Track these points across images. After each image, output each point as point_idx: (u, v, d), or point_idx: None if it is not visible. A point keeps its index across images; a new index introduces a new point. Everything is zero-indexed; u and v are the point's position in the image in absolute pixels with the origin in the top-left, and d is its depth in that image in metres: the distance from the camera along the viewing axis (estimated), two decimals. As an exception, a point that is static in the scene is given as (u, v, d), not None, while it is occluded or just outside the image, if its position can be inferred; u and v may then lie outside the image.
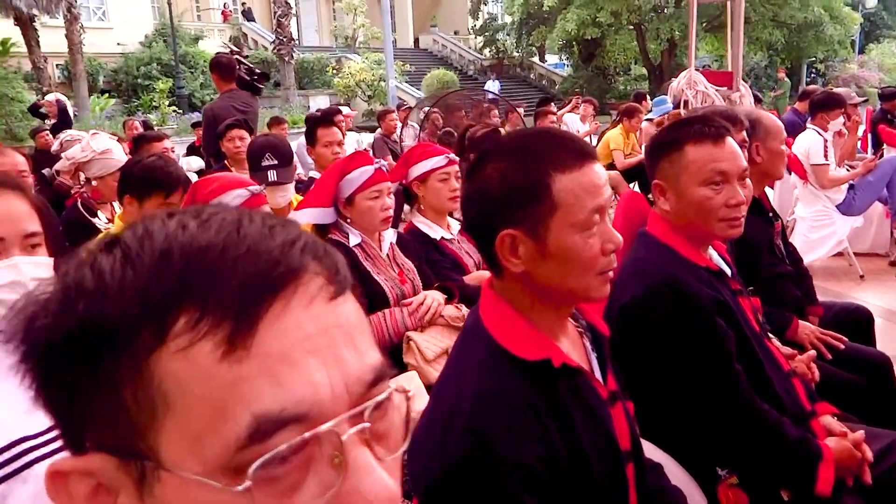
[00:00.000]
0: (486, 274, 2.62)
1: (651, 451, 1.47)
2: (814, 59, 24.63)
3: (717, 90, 4.16)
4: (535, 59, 28.52)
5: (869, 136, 7.05)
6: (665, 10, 22.21)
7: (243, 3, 25.87)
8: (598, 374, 1.20)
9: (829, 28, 21.36)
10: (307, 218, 2.30)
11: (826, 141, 4.80)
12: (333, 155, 3.57)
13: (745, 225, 1.65)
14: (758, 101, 6.34)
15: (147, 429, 0.42)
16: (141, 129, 7.93)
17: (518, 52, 27.41)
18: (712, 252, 1.74)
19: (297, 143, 5.64)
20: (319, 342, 0.43)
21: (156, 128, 10.73)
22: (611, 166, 6.57)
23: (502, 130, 3.25)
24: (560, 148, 1.08)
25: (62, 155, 3.39)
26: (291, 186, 2.97)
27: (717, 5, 20.36)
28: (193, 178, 2.93)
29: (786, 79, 18.74)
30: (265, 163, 2.81)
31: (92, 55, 18.98)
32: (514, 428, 1.01)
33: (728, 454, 1.54)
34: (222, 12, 25.68)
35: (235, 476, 0.40)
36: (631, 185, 6.26)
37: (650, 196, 1.76)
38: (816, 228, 4.98)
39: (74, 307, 0.42)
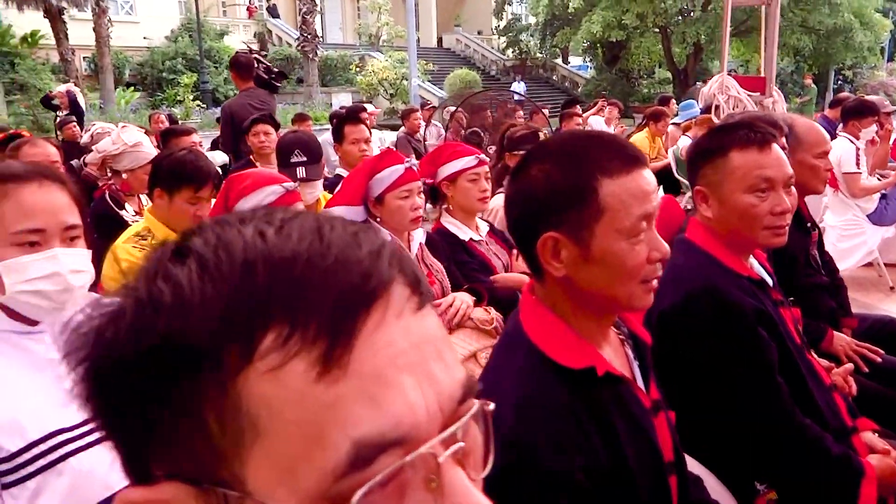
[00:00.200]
0: (516, 276, 2.62)
1: (688, 463, 1.43)
2: (841, 65, 24.28)
3: (749, 95, 4.09)
4: (559, 60, 28.39)
5: (900, 145, 6.92)
6: (692, 14, 22.00)
7: (268, 0, 26.01)
8: (640, 383, 1.17)
9: (858, 34, 21.04)
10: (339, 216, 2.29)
11: (858, 149, 4.71)
12: (360, 152, 3.56)
13: (784, 234, 1.61)
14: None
15: (232, 456, 0.38)
16: (166, 123, 7.98)
17: (541, 53, 27.30)
18: (753, 261, 1.70)
19: (322, 139, 5.66)
20: (412, 358, 0.41)
21: (180, 122, 10.81)
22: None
23: (541, 134, 3.21)
24: (608, 152, 1.06)
25: (93, 147, 3.40)
26: (320, 183, 2.96)
27: (743, 9, 20.19)
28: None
29: (812, 85, 18.51)
30: (294, 159, 2.80)
31: (118, 48, 19.19)
32: (558, 437, 0.98)
33: (767, 468, 1.50)
34: (247, 8, 25.86)
35: None
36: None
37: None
38: (846, 238, 4.90)
39: (151, 323, 0.38)
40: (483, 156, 2.64)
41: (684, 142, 6.01)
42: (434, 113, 8.51)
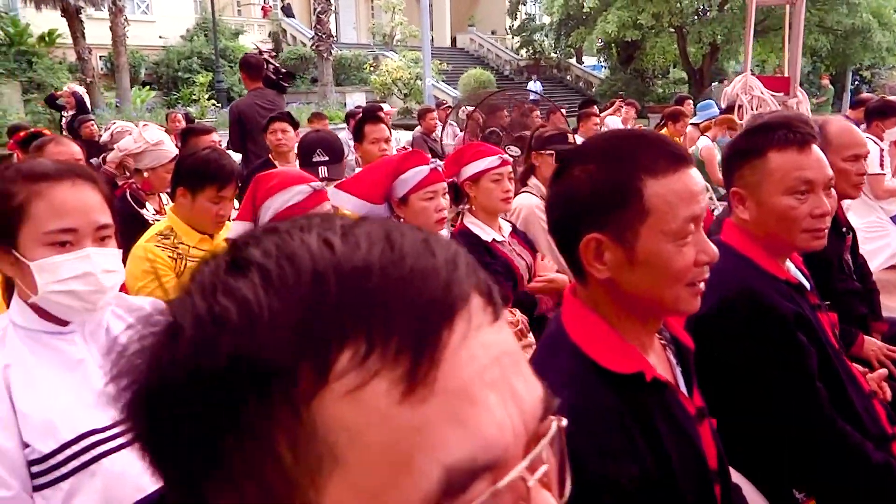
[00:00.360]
0: (558, 277, 2.59)
1: (726, 470, 1.40)
2: (859, 66, 24.03)
3: (772, 95, 4.04)
4: (573, 60, 28.29)
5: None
6: (708, 14, 21.84)
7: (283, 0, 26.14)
8: (682, 389, 1.14)
9: (877, 35, 20.81)
10: (352, 206, 2.26)
11: (882, 150, 4.65)
12: (381, 152, 3.54)
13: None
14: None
15: (307, 485, 0.35)
16: (183, 122, 8.01)
17: (556, 53, 27.21)
18: (790, 264, 1.66)
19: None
20: (494, 374, 0.38)
21: (195, 121, 10.85)
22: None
23: (572, 137, 3.18)
24: (653, 151, 1.03)
25: (115, 146, 3.40)
26: (322, 183, 2.94)
27: (760, 9, 20.02)
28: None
29: (829, 86, 18.33)
30: (316, 158, 2.79)
31: (134, 48, 19.28)
32: (606, 444, 0.96)
33: (806, 476, 1.47)
34: (262, 8, 25.94)
35: None
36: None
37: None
38: (869, 240, 4.82)
39: (215, 342, 0.35)
40: (506, 156, 2.61)
41: (703, 142, 5.95)
42: (451, 113, 8.49)
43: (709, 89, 18.49)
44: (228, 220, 2.60)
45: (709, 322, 1.48)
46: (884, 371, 1.97)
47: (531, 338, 2.31)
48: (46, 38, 18.18)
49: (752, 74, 4.32)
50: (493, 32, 30.30)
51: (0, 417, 1.14)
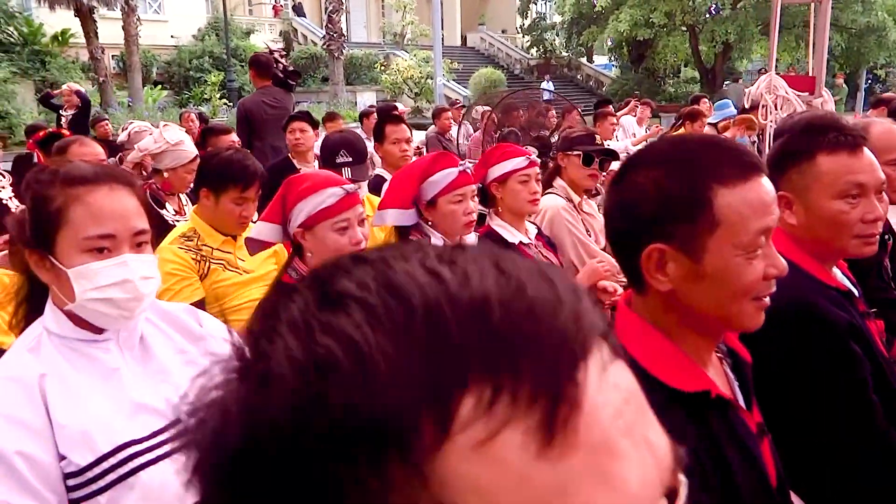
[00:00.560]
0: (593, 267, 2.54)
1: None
2: (873, 64, 23.83)
3: (797, 95, 3.98)
4: (583, 59, 28.19)
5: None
6: (721, 12, 21.69)
7: (294, -1, 26.15)
8: (741, 404, 1.10)
9: (892, 33, 20.64)
10: (392, 219, 2.23)
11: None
12: (402, 152, 3.51)
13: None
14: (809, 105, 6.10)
15: None
16: (197, 122, 8.00)
17: (567, 52, 27.12)
18: (836, 271, 1.61)
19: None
20: (628, 419, 0.34)
21: (209, 121, 10.84)
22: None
23: (599, 138, 3.14)
24: (725, 158, 0.98)
25: (135, 146, 3.38)
26: (365, 185, 2.91)
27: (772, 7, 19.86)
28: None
29: (843, 85, 18.17)
30: (340, 159, 2.76)
31: (146, 47, 19.33)
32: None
33: (859, 493, 1.42)
34: (273, 7, 25.98)
35: None
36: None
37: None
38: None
39: (322, 393, 0.30)
40: (534, 156, 2.57)
41: (722, 142, 5.87)
42: (465, 113, 8.44)
43: (724, 89, 18.32)
44: (252, 221, 2.58)
45: (758, 333, 1.44)
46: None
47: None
48: (60, 38, 18.25)
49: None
50: (503, 31, 30.23)
51: (36, 429, 1.11)
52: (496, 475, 0.30)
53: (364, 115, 7.52)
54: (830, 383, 1.38)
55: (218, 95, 18.12)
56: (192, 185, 3.29)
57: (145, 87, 18.29)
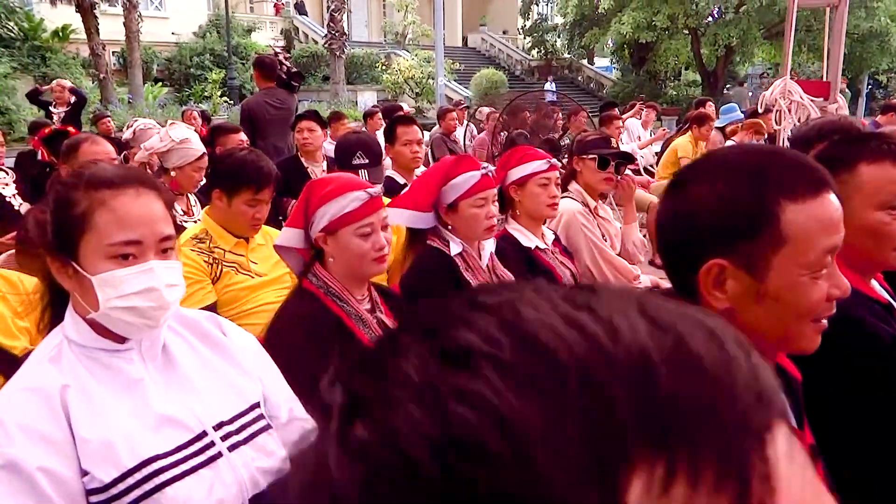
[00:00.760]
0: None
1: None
2: (876, 69, 23.83)
3: (811, 100, 3.94)
4: (584, 61, 28.16)
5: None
6: (724, 16, 21.66)
7: (295, -3, 26.09)
8: (794, 425, 1.05)
9: (894, 38, 20.64)
10: (403, 219, 2.19)
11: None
12: (413, 154, 3.46)
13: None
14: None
15: None
16: (199, 120, 7.94)
17: (568, 53, 27.07)
18: (874, 283, 1.57)
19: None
20: (807, 494, 0.30)
21: (211, 119, 10.77)
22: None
23: (619, 144, 3.09)
24: (792, 171, 0.93)
25: (141, 145, 3.33)
26: (380, 188, 2.86)
27: (776, 11, 19.84)
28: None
29: (846, 90, 18.16)
30: (356, 161, 2.71)
31: (147, 44, 19.27)
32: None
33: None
34: (275, 5, 25.89)
35: None
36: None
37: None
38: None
39: (470, 480, 0.25)
40: (555, 160, 2.53)
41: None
42: (470, 113, 8.40)
43: (729, 93, 18.30)
44: (265, 223, 2.53)
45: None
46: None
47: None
48: (60, 34, 18.19)
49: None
50: (504, 32, 30.18)
51: (58, 444, 1.06)
52: None
53: (368, 116, 7.48)
54: (873, 402, 1.34)
55: (219, 93, 18.06)
56: (200, 184, 3.25)
57: (146, 84, 18.22)
